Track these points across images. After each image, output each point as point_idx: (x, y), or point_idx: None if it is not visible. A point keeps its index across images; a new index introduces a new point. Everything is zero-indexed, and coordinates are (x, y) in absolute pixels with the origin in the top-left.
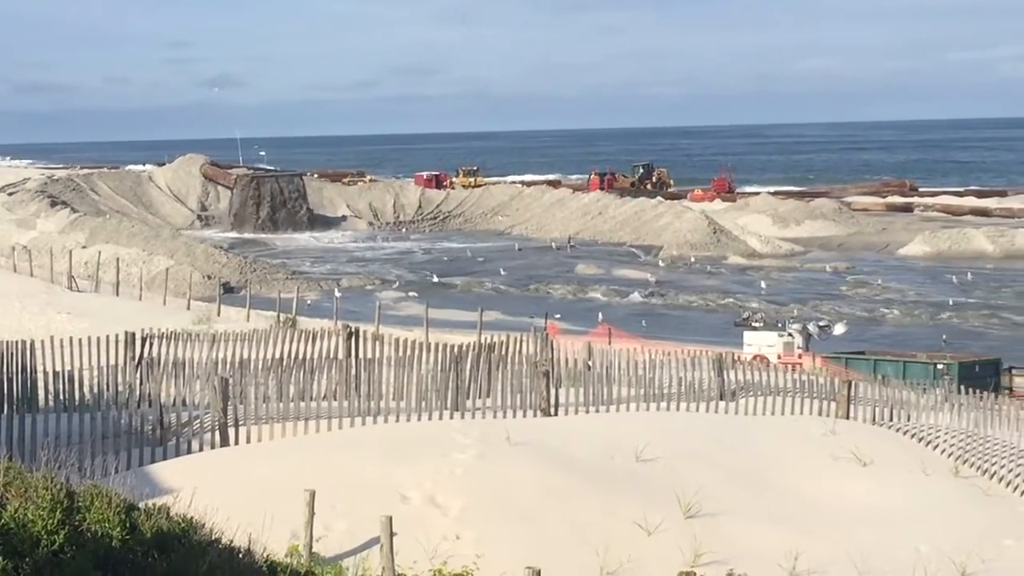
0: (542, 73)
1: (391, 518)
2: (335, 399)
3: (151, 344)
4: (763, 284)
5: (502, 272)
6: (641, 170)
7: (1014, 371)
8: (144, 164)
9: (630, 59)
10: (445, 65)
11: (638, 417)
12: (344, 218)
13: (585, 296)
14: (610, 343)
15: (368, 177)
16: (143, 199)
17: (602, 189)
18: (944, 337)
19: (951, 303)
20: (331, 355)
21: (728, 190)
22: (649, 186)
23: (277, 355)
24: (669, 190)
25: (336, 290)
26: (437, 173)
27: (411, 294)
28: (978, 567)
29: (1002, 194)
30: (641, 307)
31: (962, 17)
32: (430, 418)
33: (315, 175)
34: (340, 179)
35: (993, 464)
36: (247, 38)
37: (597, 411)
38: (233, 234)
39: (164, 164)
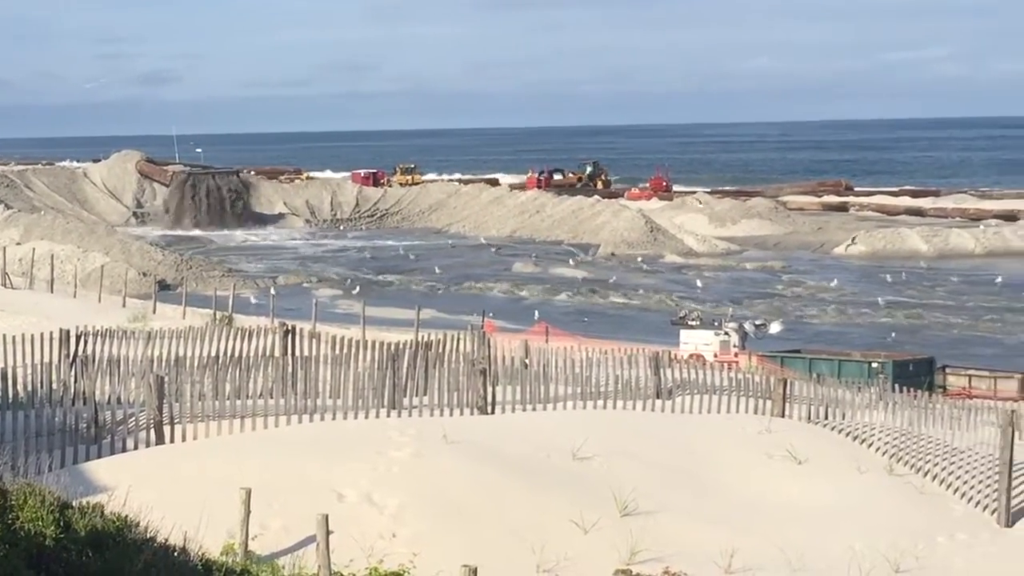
0: (479, 70)
1: (327, 516)
2: (271, 397)
3: (86, 341)
4: (699, 283)
5: (437, 270)
6: (589, 168)
7: (948, 370)
8: (79, 161)
9: (567, 57)
10: (382, 62)
11: (575, 415)
12: (281, 216)
13: (522, 294)
14: (547, 341)
15: (305, 175)
16: (78, 196)
17: (539, 187)
18: (892, 335)
19: (885, 302)
20: (267, 353)
21: (665, 189)
22: (599, 184)
23: (213, 353)
24: (608, 188)
25: (272, 288)
26: (374, 171)
27: (353, 291)
28: (912, 564)
29: (935, 194)
30: (578, 305)
31: (896, 17)
32: (367, 416)
33: (252, 172)
34: (277, 176)
35: (927, 462)
36: (182, 34)
37: (534, 409)
38: (169, 231)
39: (99, 161)
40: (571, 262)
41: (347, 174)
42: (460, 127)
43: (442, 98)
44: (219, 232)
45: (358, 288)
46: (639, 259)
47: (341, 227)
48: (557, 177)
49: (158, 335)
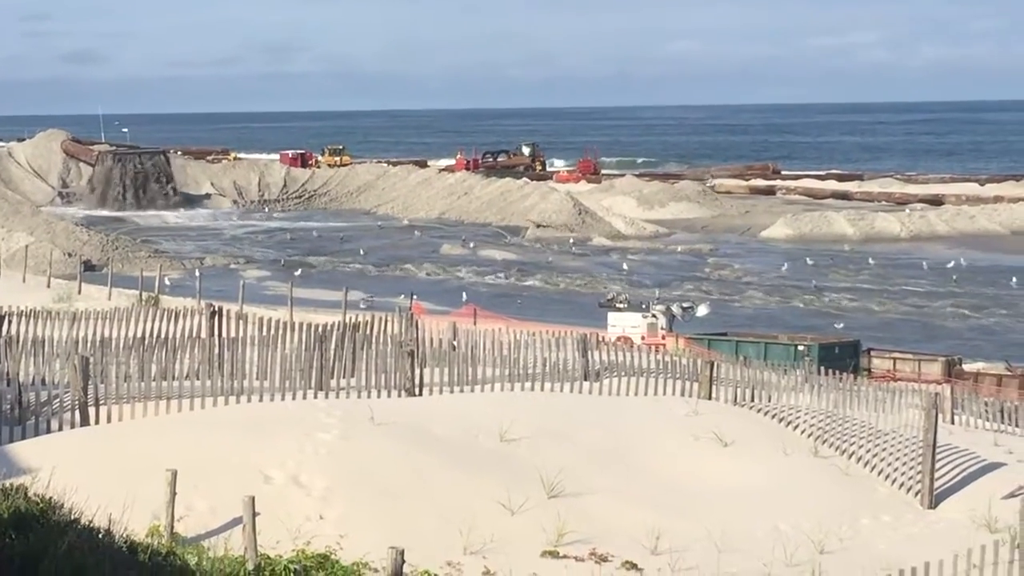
0: (407, 52)
1: (254, 498)
2: (198, 378)
3: (10, 322)
4: (627, 265)
5: (361, 252)
6: (527, 149)
7: (873, 353)
8: (3, 140)
9: (493, 39)
10: (309, 42)
11: (503, 397)
12: (208, 196)
13: (450, 276)
14: (475, 323)
15: (233, 155)
16: (2, 175)
17: (468, 169)
18: (841, 325)
19: (811, 285)
20: (194, 334)
21: (593, 171)
22: (539, 166)
23: (139, 334)
24: (544, 171)
25: (195, 270)
26: (302, 152)
27: (283, 271)
28: (835, 545)
29: (861, 178)
30: (506, 287)
31: (823, 2)
32: (294, 397)
33: (179, 152)
34: (204, 157)
35: (852, 444)
36: (108, 12)
37: (462, 391)
38: (95, 211)
39: (24, 140)
40: (503, 243)
41: (275, 155)
42: (388, 108)
43: (369, 79)
44: (145, 212)
45: (294, 270)
46: (569, 241)
47: (269, 208)
48: (501, 158)
49: (83, 316)
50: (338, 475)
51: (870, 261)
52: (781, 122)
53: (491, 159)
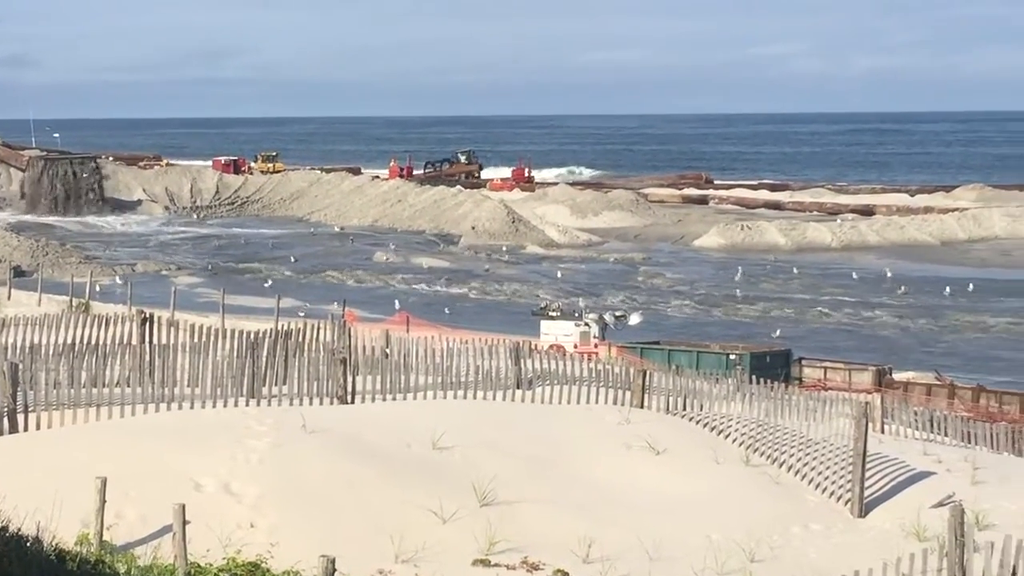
0: (341, 59)
1: (184, 506)
2: (129, 385)
3: None
4: (560, 274)
5: (292, 259)
6: (463, 157)
7: (804, 362)
8: None
9: (428, 45)
10: (243, 49)
11: (435, 405)
12: (140, 202)
13: (383, 283)
14: (408, 331)
15: (165, 161)
16: None
17: (401, 177)
18: (777, 333)
19: (743, 295)
20: (125, 341)
21: (527, 180)
22: (477, 173)
23: (69, 340)
24: (467, 179)
25: (117, 277)
26: (235, 158)
27: (220, 280)
28: (766, 554)
29: (793, 188)
30: (440, 295)
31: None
32: (225, 405)
33: (110, 158)
34: (136, 163)
35: (783, 453)
36: (41, 16)
37: (394, 399)
38: (25, 217)
39: None
40: (436, 251)
41: (208, 161)
42: (321, 115)
43: (302, 86)
44: (76, 218)
45: (225, 277)
46: (502, 249)
47: (201, 215)
48: (445, 167)
49: (12, 322)
50: (269, 483)
51: (794, 271)
52: (714, 132)
53: (432, 168)
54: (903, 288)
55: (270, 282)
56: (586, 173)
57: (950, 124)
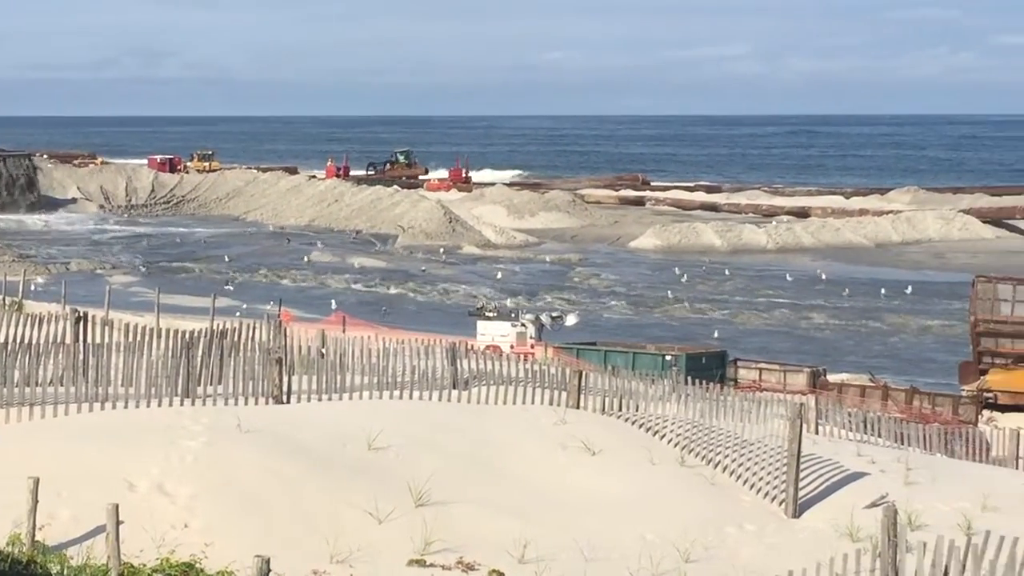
0: (278, 59)
1: (117, 506)
2: (62, 385)
3: None
4: (498, 274)
5: (226, 259)
6: (402, 157)
7: (739, 363)
8: None
9: (368, 46)
10: (179, 47)
11: (371, 405)
12: (74, 200)
13: (319, 283)
14: (344, 331)
15: (100, 159)
16: None
17: (338, 176)
18: (715, 335)
19: (678, 296)
20: (58, 340)
21: (464, 180)
22: (419, 176)
23: (1, 339)
24: (417, 178)
25: (39, 277)
26: (171, 157)
27: (155, 279)
28: (701, 554)
29: (727, 189)
30: (376, 295)
31: (696, 14)
32: (160, 405)
33: (44, 156)
34: (70, 160)
35: (718, 454)
36: None
37: (330, 399)
38: None
39: None
40: (373, 250)
41: (143, 160)
42: (258, 114)
43: (239, 85)
44: (9, 216)
45: (160, 276)
46: (439, 250)
47: (136, 213)
48: (386, 168)
49: None
50: (204, 483)
51: (726, 272)
52: (651, 133)
53: (375, 170)
54: (847, 291)
55: (232, 286)
56: (513, 174)
57: (886, 127)
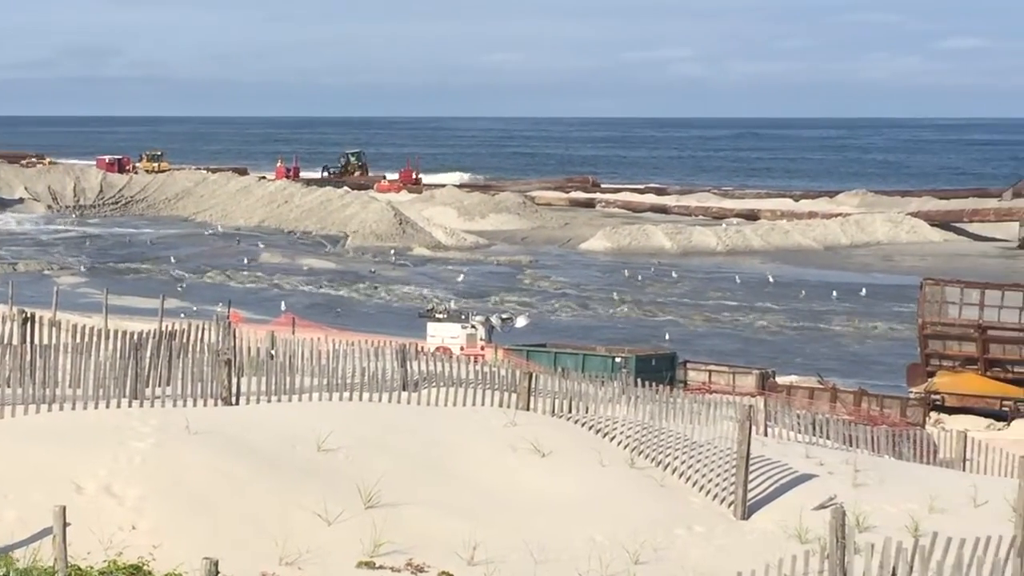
0: (226, 59)
1: (64, 508)
2: (9, 386)
3: None
4: (448, 276)
5: (172, 260)
6: (352, 158)
7: (689, 365)
8: None
9: (309, 47)
10: (124, 47)
11: (321, 407)
12: (21, 201)
13: (269, 285)
14: (294, 332)
15: (47, 159)
16: None
17: (288, 178)
18: (665, 337)
19: (623, 297)
20: (5, 341)
21: (414, 182)
22: (366, 174)
23: None
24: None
25: (6, 275)
26: (120, 157)
27: (103, 280)
28: (650, 556)
29: (677, 192)
30: (326, 296)
31: (639, 17)
32: (108, 406)
33: None
34: (18, 160)
35: (667, 456)
36: None
37: (279, 400)
38: None
39: None
40: (323, 252)
41: (91, 160)
42: (207, 115)
43: (186, 85)
44: None
45: (109, 277)
46: (389, 251)
47: (85, 214)
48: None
49: None
50: (152, 485)
51: (673, 274)
52: (601, 135)
53: (329, 172)
54: (798, 293)
55: (182, 286)
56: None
57: (835, 130)
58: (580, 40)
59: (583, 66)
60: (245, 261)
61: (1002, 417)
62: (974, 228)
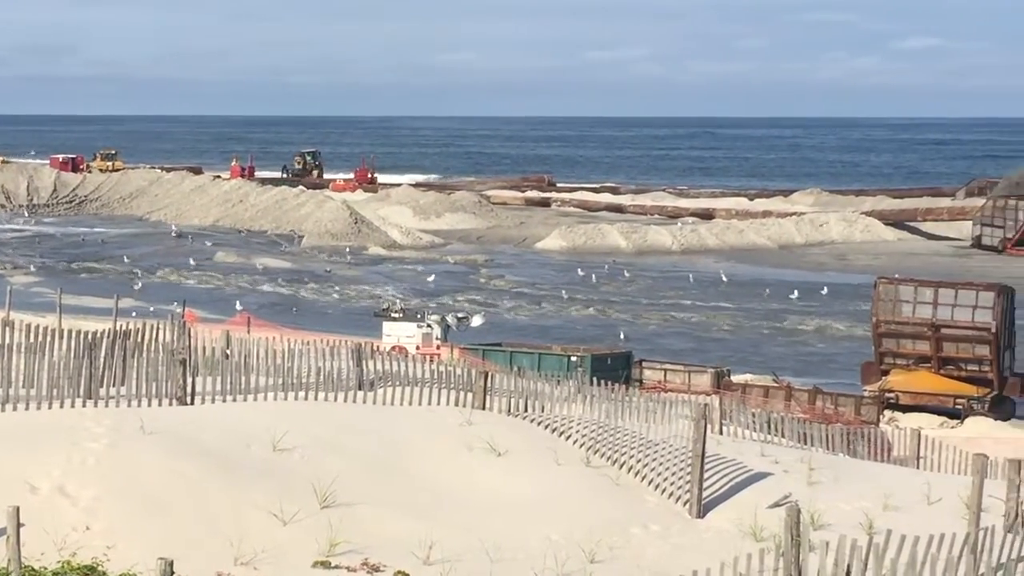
0: (181, 57)
1: (18, 508)
2: None
3: None
4: (403, 275)
5: (126, 259)
6: (309, 157)
7: (644, 364)
8: None
9: (273, 46)
10: (79, 45)
11: (276, 406)
12: None
13: (224, 284)
14: (249, 332)
15: (0, 158)
16: None
17: (243, 177)
18: (621, 336)
19: (574, 296)
20: None
21: (370, 181)
22: (322, 175)
23: None
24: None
25: None
26: (73, 156)
27: (57, 279)
28: (606, 554)
29: (625, 191)
30: (282, 296)
31: (597, 17)
32: (62, 406)
33: None
34: None
35: (623, 454)
36: None
37: (235, 400)
38: None
39: None
40: (279, 251)
41: (45, 159)
42: (162, 113)
43: (143, 84)
44: None
45: (63, 276)
46: (345, 250)
47: (38, 213)
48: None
49: None
50: (106, 485)
51: (625, 274)
52: (557, 134)
53: (287, 172)
54: (751, 291)
55: (138, 285)
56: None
57: (790, 129)
58: (539, 40)
59: (542, 66)
60: (199, 260)
61: (955, 415)
62: (928, 227)
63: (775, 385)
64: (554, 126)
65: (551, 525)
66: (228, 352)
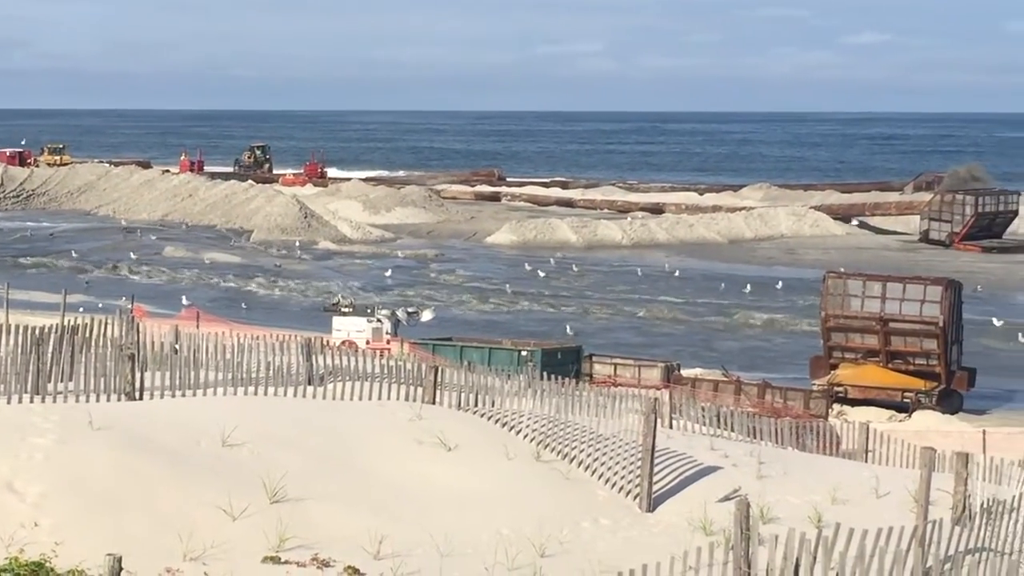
0: (129, 51)
1: None
2: None
3: None
4: (353, 269)
5: (74, 254)
6: (258, 152)
7: (595, 358)
8: None
9: (216, 40)
10: (27, 39)
11: (225, 401)
12: None
13: (173, 279)
14: (198, 326)
15: None
16: None
17: (192, 171)
18: (569, 330)
19: (534, 291)
20: None
21: (319, 175)
22: (267, 170)
23: None
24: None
25: None
26: (21, 150)
27: (3, 274)
28: (556, 548)
29: (565, 185)
30: (231, 290)
31: (547, 12)
32: (8, 402)
33: None
34: None
35: (573, 449)
36: None
37: (184, 395)
38: None
39: None
40: (228, 246)
41: None
42: (110, 107)
43: (90, 78)
44: None
45: (9, 271)
46: (295, 245)
47: None
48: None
49: None
50: (54, 481)
51: (573, 268)
52: (506, 129)
53: (239, 166)
54: (702, 286)
55: (89, 282)
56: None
57: (740, 124)
58: (490, 35)
59: (492, 61)
60: (148, 255)
61: (903, 409)
62: (876, 222)
63: (724, 379)
64: (503, 120)
65: (501, 519)
66: (177, 347)
